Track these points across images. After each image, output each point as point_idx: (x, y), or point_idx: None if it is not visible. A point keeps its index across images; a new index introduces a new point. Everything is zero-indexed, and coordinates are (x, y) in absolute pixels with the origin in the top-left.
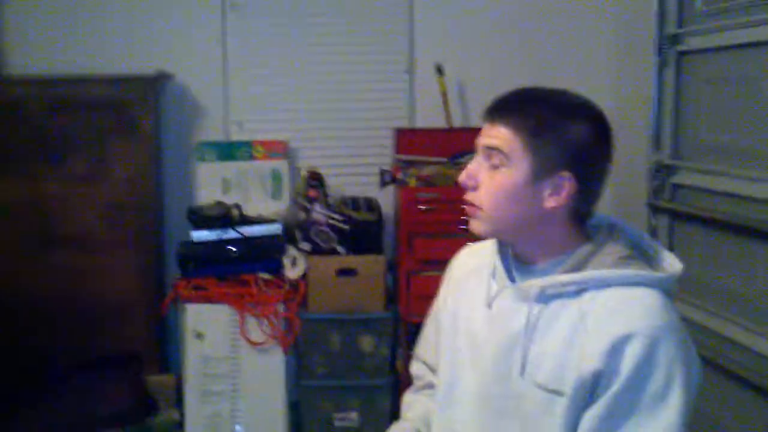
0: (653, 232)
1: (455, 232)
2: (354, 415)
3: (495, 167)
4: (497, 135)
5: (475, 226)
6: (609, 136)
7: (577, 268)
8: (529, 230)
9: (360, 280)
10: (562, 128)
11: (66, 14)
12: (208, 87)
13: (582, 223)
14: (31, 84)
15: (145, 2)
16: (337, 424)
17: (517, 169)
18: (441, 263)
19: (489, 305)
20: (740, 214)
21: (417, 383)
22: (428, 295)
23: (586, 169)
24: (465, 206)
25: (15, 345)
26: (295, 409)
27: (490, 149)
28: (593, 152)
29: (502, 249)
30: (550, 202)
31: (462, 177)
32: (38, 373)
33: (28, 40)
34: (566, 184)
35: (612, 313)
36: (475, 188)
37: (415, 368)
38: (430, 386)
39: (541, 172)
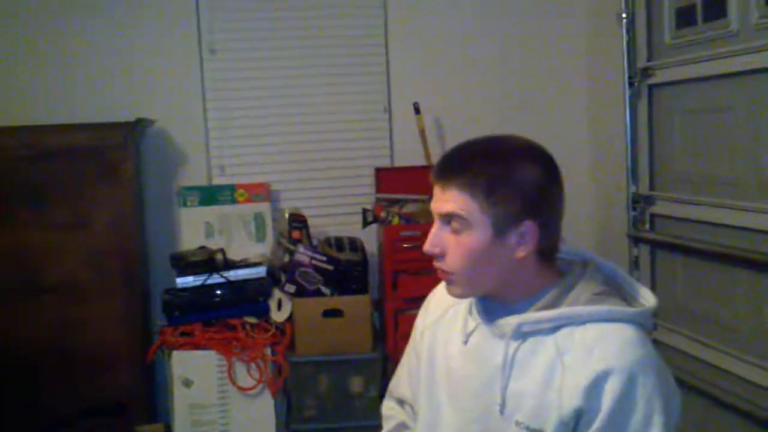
0: (635, 263)
1: None
2: None
3: (457, 231)
4: (452, 200)
5: (454, 291)
6: (557, 173)
7: (553, 305)
8: (504, 280)
9: (346, 321)
10: (514, 179)
11: (44, 62)
12: (188, 131)
13: (551, 260)
14: (11, 133)
15: (123, 49)
16: None
17: (479, 230)
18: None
19: (465, 342)
20: (718, 242)
21: (386, 424)
22: None
23: (545, 212)
24: (439, 274)
25: (0, 396)
26: None
27: (448, 215)
28: (548, 194)
29: None
30: (520, 252)
31: (426, 246)
32: (25, 424)
33: (7, 89)
34: (530, 231)
35: (589, 349)
36: (442, 256)
37: (386, 408)
38: (399, 429)
39: (503, 227)
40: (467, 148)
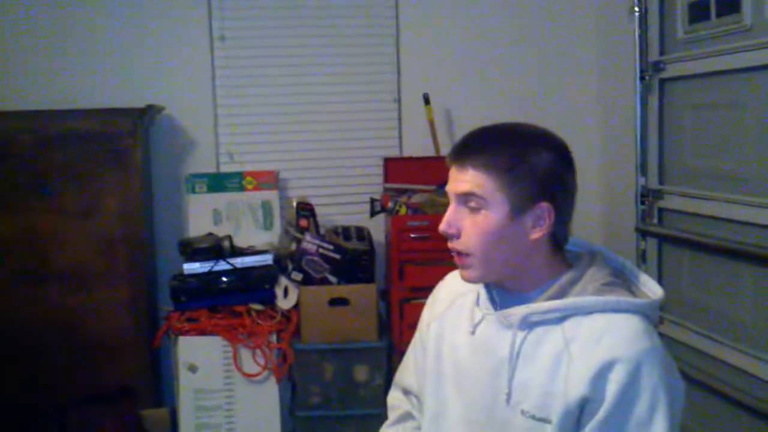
0: (643, 256)
1: (446, 260)
2: None
3: (473, 211)
4: (469, 179)
5: (468, 273)
6: (572, 161)
7: (560, 295)
8: (517, 264)
9: (352, 310)
10: (531, 160)
11: (55, 48)
12: (197, 119)
13: (561, 248)
14: (20, 118)
15: (134, 35)
16: None
17: (496, 210)
18: (432, 291)
19: (473, 332)
20: (726, 237)
21: (392, 415)
22: None
23: (561, 196)
24: (453, 255)
25: (8, 381)
26: None
27: (466, 195)
28: (564, 179)
29: None
30: (535, 234)
31: (442, 226)
32: (32, 409)
33: (17, 74)
34: (546, 213)
35: (596, 339)
36: (457, 236)
37: (392, 398)
38: (405, 418)
39: (520, 207)
40: (485, 131)
